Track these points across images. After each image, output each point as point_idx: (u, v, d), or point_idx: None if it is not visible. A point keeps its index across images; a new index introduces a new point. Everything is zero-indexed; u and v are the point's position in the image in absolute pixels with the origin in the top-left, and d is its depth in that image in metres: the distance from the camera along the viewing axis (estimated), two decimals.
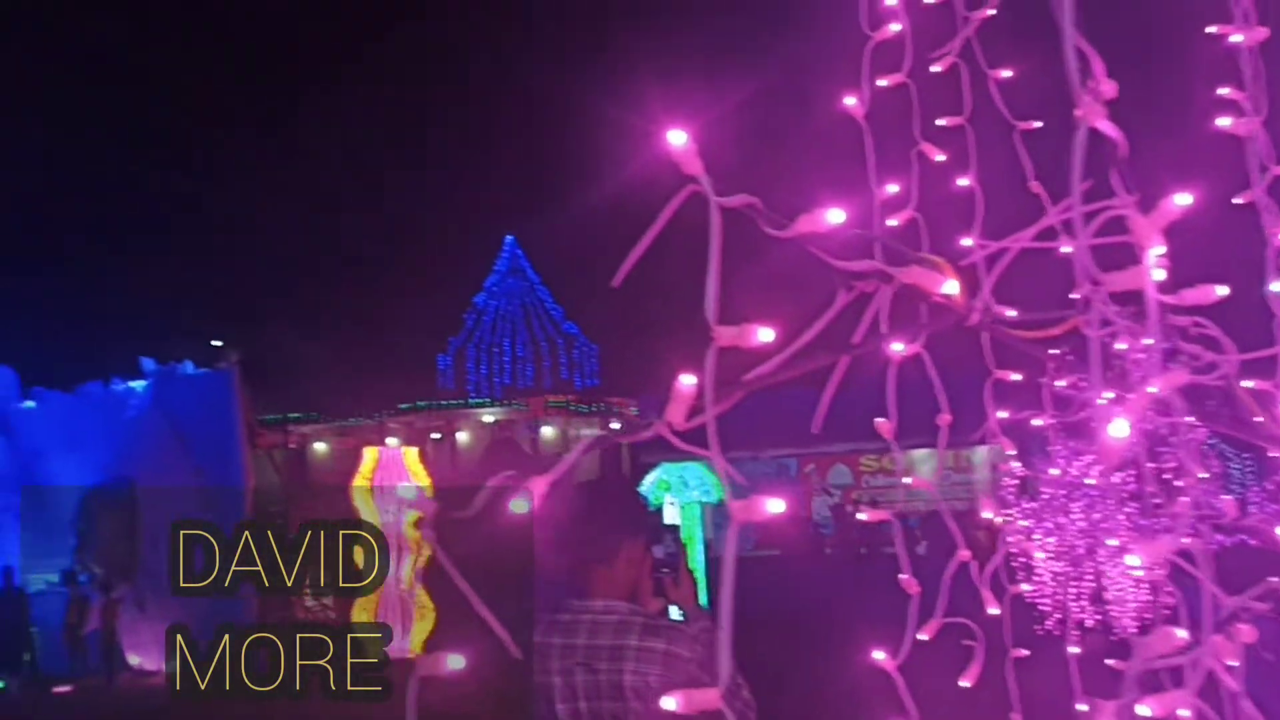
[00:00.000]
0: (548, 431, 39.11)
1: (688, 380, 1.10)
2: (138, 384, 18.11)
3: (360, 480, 15.22)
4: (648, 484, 12.57)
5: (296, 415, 38.32)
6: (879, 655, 1.84)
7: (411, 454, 15.88)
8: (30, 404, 21.45)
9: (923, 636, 1.88)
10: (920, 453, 29.72)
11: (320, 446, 40.26)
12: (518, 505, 1.23)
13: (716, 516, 28.26)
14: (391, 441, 32.47)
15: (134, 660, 17.21)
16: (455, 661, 1.31)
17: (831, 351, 1.52)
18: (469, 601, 1.35)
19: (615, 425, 40.61)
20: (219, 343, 35.07)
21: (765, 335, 1.14)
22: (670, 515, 16.39)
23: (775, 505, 1.06)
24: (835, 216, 1.25)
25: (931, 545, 22.38)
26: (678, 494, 18.93)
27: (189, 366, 17.51)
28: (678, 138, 1.12)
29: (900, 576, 1.98)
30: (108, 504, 17.18)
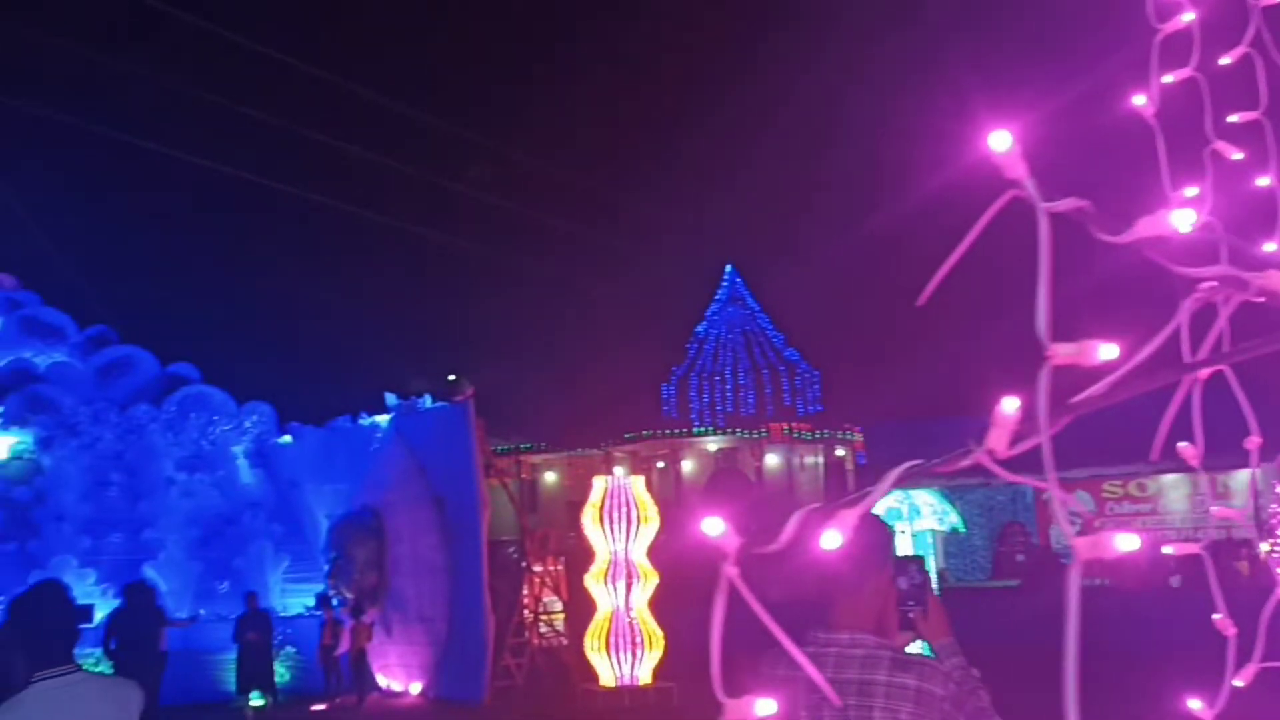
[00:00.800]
0: (772, 459, 38.85)
1: (1011, 404, 0.97)
2: (382, 418, 19.01)
3: (590, 509, 15.43)
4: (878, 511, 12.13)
5: (527, 445, 39.44)
6: (1195, 705, 1.63)
7: (638, 483, 15.99)
8: (287, 438, 22.90)
9: (1238, 683, 1.66)
10: (1170, 478, 27.86)
11: (550, 476, 41.30)
12: (829, 539, 1.11)
13: (949, 545, 27.26)
14: (618, 471, 32.96)
15: (382, 681, 18.00)
16: (765, 708, 1.20)
17: (1175, 369, 1.34)
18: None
19: (840, 452, 39.88)
20: (452, 376, 36.62)
21: (1108, 352, 1.00)
22: (902, 544, 15.83)
23: (1127, 542, 0.91)
24: (1182, 219, 1.09)
25: (1185, 578, 20.70)
26: (910, 521, 18.32)
27: (428, 400, 18.24)
28: (1001, 140, 1.00)
29: (1214, 616, 1.75)
30: (357, 532, 18.06)
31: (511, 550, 20.01)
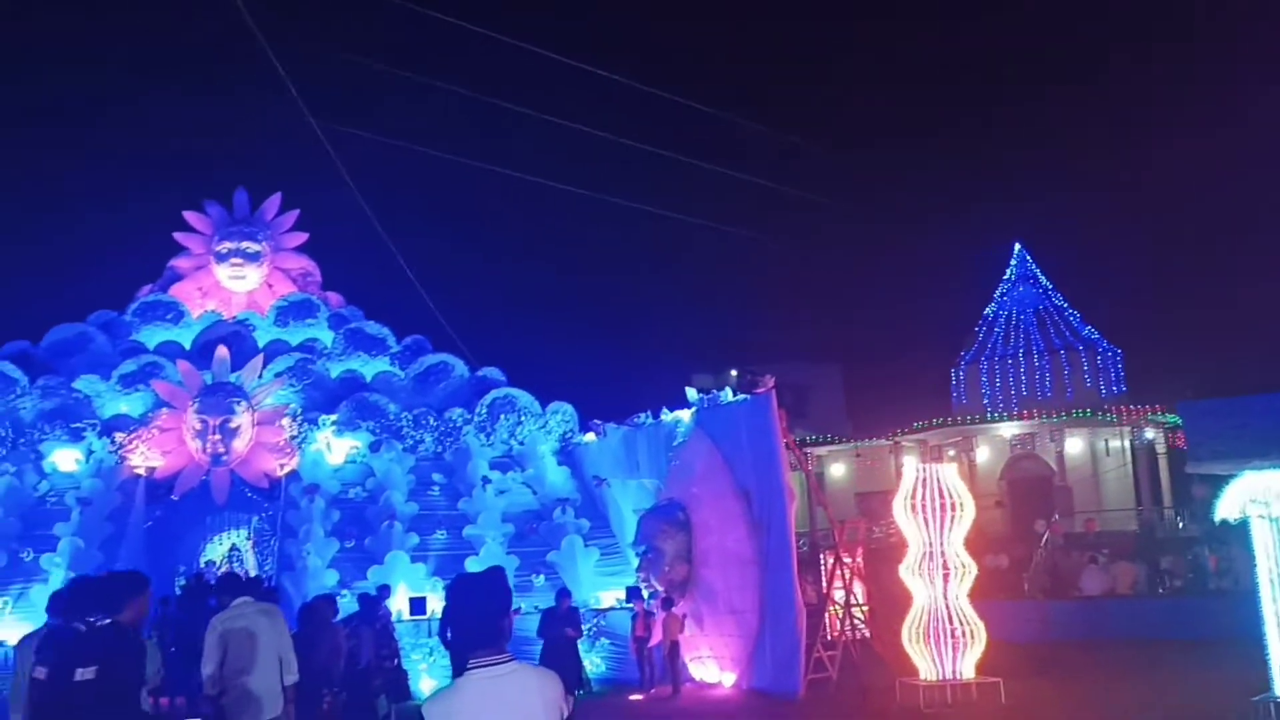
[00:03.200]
0: (1074, 445, 36.77)
1: None
2: (684, 413, 19.31)
3: (901, 498, 15.06)
4: (1227, 497, 11.13)
5: (813, 438, 39.11)
6: None
7: (950, 470, 15.45)
8: (591, 436, 23.70)
9: None
10: None
11: (837, 468, 40.79)
12: None
13: None
14: (908, 460, 32.11)
15: (695, 673, 18.28)
16: None
17: None
18: None
19: (1150, 435, 37.21)
20: (734, 371, 36.87)
21: None
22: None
23: None
24: None
25: None
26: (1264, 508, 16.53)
27: (728, 394, 18.37)
28: None
29: None
30: (665, 526, 18.43)
31: (801, 543, 19.88)
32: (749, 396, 17.44)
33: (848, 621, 17.57)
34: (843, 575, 17.90)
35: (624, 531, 21.15)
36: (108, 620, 6.62)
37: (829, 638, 17.70)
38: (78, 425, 22.61)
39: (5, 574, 19.70)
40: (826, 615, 18.14)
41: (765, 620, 16.69)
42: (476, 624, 3.87)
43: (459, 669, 3.88)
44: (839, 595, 17.98)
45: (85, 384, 23.79)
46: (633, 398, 23.33)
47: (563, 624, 15.87)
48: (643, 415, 21.12)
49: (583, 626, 16.69)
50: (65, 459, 22.35)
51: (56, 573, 19.13)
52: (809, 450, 37.31)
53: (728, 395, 18.42)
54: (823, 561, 22.03)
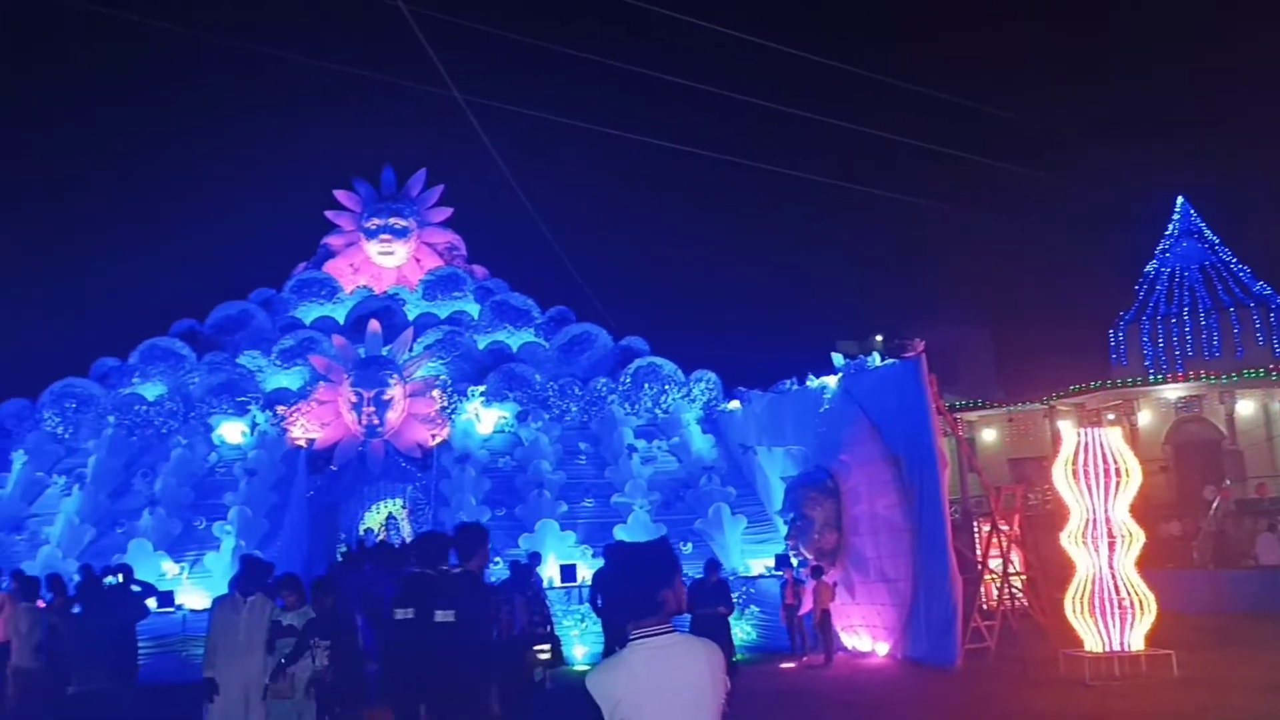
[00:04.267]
0: (1244, 407, 34.86)
1: None
2: (830, 379, 18.98)
3: (1062, 464, 14.46)
4: None
5: (963, 403, 38.10)
6: None
7: (1115, 435, 14.75)
8: (735, 404, 23.55)
9: None
10: None
11: (989, 433, 39.67)
12: None
13: None
14: (1065, 425, 30.96)
15: (848, 641, 18.03)
16: None
17: None
18: None
19: None
20: (879, 336, 36.10)
21: None
22: None
23: None
24: None
25: None
26: None
27: (875, 358, 17.96)
28: None
29: None
30: (813, 493, 18.18)
31: (954, 510, 19.33)
32: (897, 361, 16.99)
33: (1006, 590, 17.05)
34: (999, 543, 17.36)
35: (771, 499, 20.97)
36: (459, 568, 7.10)
37: (985, 607, 17.20)
38: (242, 399, 23.61)
39: (181, 541, 20.71)
40: (983, 584, 17.64)
41: (919, 589, 16.31)
42: (639, 593, 3.77)
43: (613, 637, 3.81)
44: (996, 564, 17.46)
45: (248, 359, 24.81)
46: (776, 365, 22.99)
47: (712, 597, 15.68)
48: (788, 382, 20.85)
49: (732, 597, 16.55)
50: (232, 431, 23.36)
51: (227, 540, 20.02)
52: (958, 416, 36.37)
53: (875, 360, 18.00)
54: (976, 529, 21.45)
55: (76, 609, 12.25)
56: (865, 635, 17.85)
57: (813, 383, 19.64)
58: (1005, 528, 17.41)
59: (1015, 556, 18.19)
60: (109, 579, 12.73)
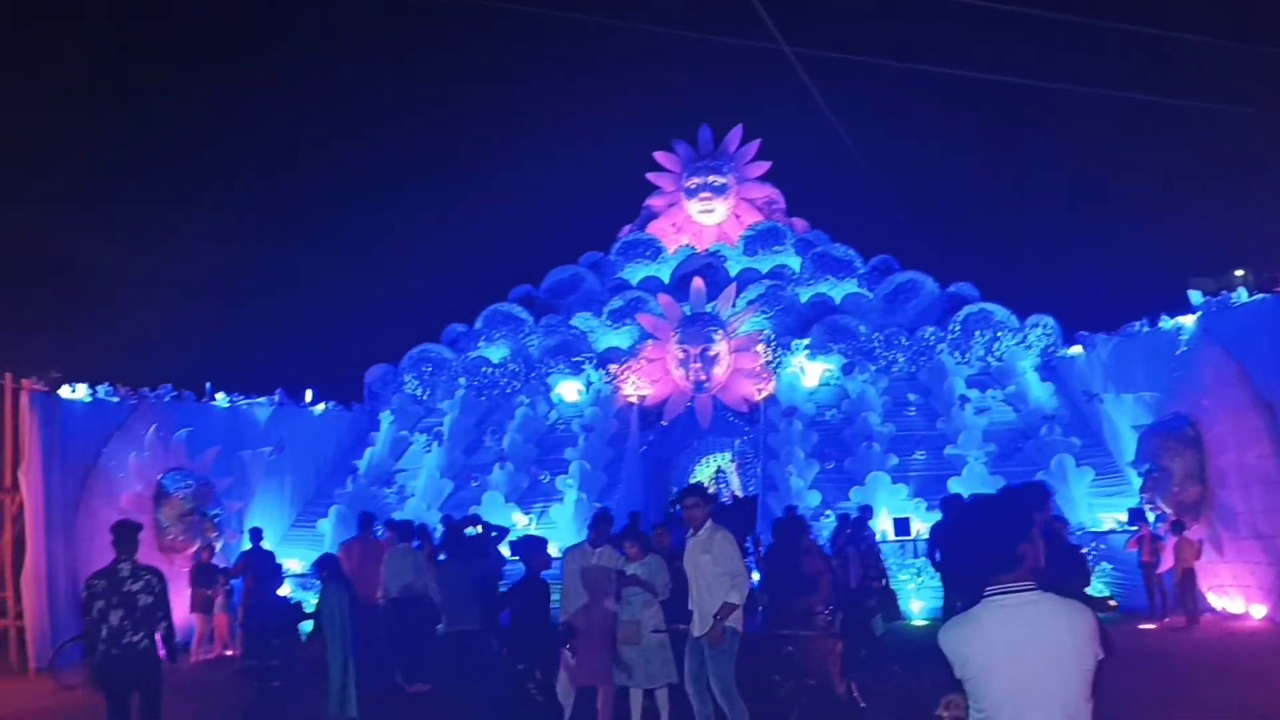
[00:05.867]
0: None
1: None
2: (1186, 318, 17.40)
3: None
4: None
5: None
6: None
7: None
8: (1076, 349, 22.13)
9: None
10: None
11: None
12: None
13: None
14: None
15: (1215, 602, 16.58)
16: None
17: None
18: None
19: None
20: (1240, 271, 32.75)
21: None
22: None
23: None
24: None
25: None
26: None
27: (1242, 294, 16.27)
28: None
29: None
30: (1171, 443, 16.79)
31: None
32: (1269, 296, 15.30)
33: None
34: None
35: (1120, 450, 19.57)
36: None
37: None
38: (577, 359, 24.75)
39: (528, 494, 22.03)
40: None
41: None
42: (997, 547, 3.54)
43: (955, 593, 3.61)
44: None
45: (580, 321, 25.95)
46: (1121, 306, 21.39)
47: (1062, 566, 14.97)
48: (1137, 323, 19.30)
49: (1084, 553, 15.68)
50: (569, 390, 24.56)
51: (569, 493, 21.09)
52: None
53: (1242, 296, 16.30)
54: None
55: (441, 557, 13.31)
56: (1238, 596, 16.33)
57: (1166, 323, 18.07)
58: None
59: None
60: (469, 529, 13.74)
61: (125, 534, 8.49)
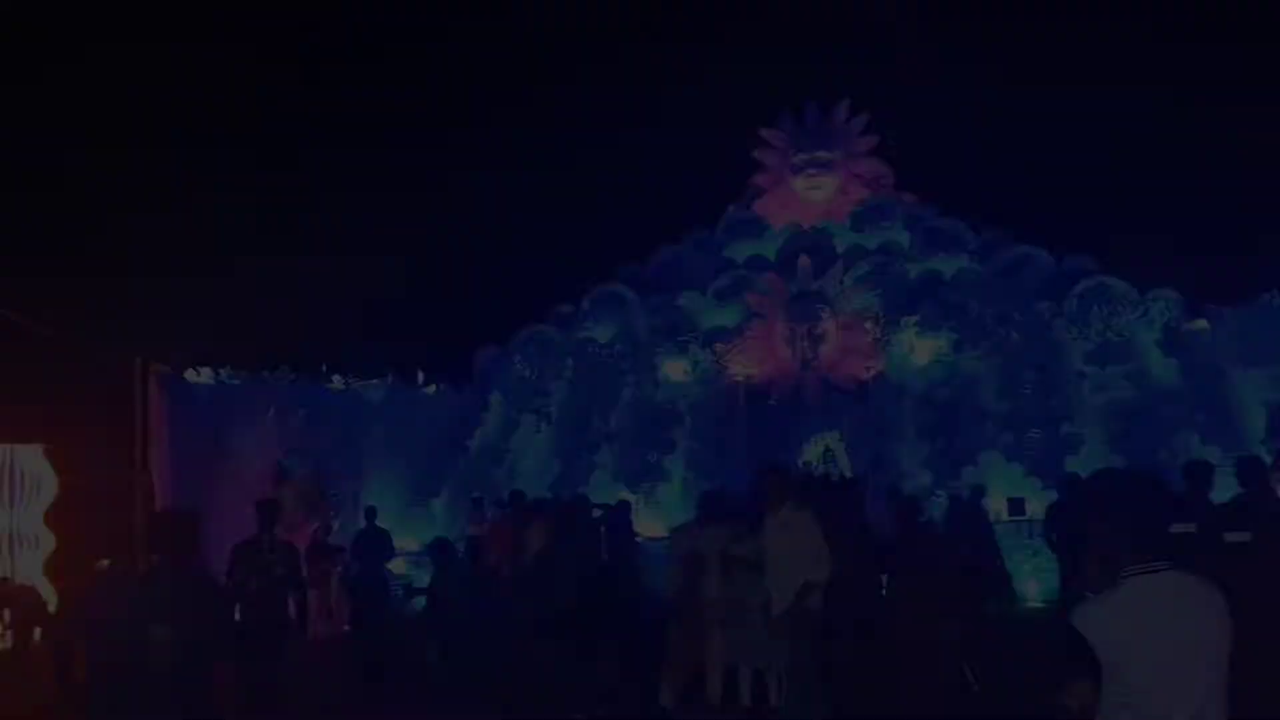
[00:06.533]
0: None
1: None
2: None
3: None
4: None
5: None
6: None
7: None
8: (1202, 323, 21.30)
9: None
10: None
11: None
12: None
13: None
14: None
15: None
16: None
17: None
18: None
19: None
20: None
21: None
22: None
23: None
24: None
25: None
26: None
27: None
28: None
29: None
30: None
31: None
32: None
33: None
34: None
35: (1247, 427, 18.81)
36: None
37: None
38: (683, 338, 24.71)
39: (636, 474, 22.13)
40: None
41: None
42: (1146, 525, 3.44)
43: (1076, 573, 3.50)
44: None
45: (687, 299, 25.91)
46: (1249, 275, 20.44)
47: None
48: (1268, 295, 18.50)
49: None
50: (675, 369, 24.55)
51: (676, 472, 21.13)
52: None
53: None
54: None
55: None
56: None
57: None
58: None
59: None
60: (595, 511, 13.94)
61: (267, 510, 9.38)
